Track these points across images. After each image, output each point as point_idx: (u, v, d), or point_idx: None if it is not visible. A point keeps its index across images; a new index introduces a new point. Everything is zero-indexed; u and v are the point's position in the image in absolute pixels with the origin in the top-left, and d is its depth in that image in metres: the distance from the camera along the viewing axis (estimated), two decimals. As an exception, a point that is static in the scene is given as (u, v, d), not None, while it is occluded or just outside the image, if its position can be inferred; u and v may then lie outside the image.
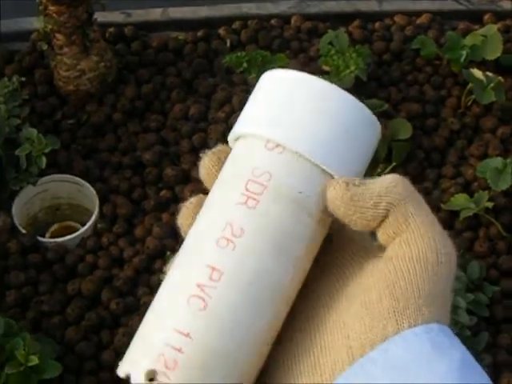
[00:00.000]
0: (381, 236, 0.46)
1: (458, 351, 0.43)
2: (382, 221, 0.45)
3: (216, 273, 0.44)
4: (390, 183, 0.45)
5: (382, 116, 1.44)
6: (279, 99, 0.47)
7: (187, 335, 0.43)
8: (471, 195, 1.44)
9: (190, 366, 0.43)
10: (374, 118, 0.47)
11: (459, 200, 1.43)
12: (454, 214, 1.44)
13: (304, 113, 0.46)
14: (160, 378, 0.43)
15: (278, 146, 0.46)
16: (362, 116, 0.47)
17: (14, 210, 1.41)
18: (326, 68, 1.52)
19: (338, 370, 0.43)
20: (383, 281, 0.44)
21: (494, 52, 1.62)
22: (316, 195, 0.45)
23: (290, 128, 0.46)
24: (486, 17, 1.76)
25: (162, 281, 0.47)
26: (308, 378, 0.44)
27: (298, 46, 1.68)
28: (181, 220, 0.49)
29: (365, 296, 0.44)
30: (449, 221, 1.43)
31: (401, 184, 0.46)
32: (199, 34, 1.69)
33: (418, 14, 1.77)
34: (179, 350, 0.43)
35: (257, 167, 0.45)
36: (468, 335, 1.26)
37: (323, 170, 0.45)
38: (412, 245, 0.45)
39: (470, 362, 0.43)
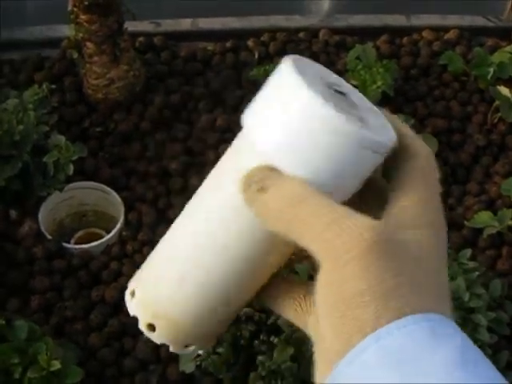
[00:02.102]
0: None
1: (454, 338, 0.42)
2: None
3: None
4: (287, 201, 0.46)
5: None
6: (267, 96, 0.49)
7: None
8: (495, 213, 1.44)
9: None
10: (351, 129, 0.45)
11: (483, 217, 1.43)
12: (478, 231, 1.44)
13: (274, 110, 0.47)
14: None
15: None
16: (328, 123, 0.46)
17: (40, 215, 1.42)
18: (353, 82, 1.52)
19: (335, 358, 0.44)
20: (317, 299, 0.46)
21: (522, 70, 1.62)
22: (235, 175, 0.48)
23: (248, 113, 0.49)
24: (515, 34, 1.76)
25: None
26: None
27: (325, 60, 1.69)
28: None
29: (314, 319, 0.48)
30: (472, 238, 1.43)
31: (289, 206, 0.46)
32: (228, 45, 1.71)
33: (446, 29, 1.77)
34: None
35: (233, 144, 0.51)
36: (489, 353, 1.26)
37: (255, 150, 0.47)
38: (318, 261, 0.45)
39: (469, 348, 0.42)
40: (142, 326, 0.53)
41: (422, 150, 0.48)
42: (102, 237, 1.45)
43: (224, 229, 0.50)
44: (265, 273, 0.53)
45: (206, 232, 0.51)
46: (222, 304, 0.52)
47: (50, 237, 1.41)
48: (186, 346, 0.54)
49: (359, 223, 0.44)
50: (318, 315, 0.45)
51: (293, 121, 0.46)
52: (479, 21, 1.80)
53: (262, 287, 0.54)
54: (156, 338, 0.53)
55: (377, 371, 0.41)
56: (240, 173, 0.48)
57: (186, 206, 0.53)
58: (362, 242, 0.43)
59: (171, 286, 0.52)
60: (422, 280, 0.44)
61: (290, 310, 0.53)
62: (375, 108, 0.50)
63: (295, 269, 1.14)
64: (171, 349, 0.54)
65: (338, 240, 0.44)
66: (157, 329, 0.53)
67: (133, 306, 0.54)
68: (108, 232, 1.45)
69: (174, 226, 0.54)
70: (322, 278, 0.45)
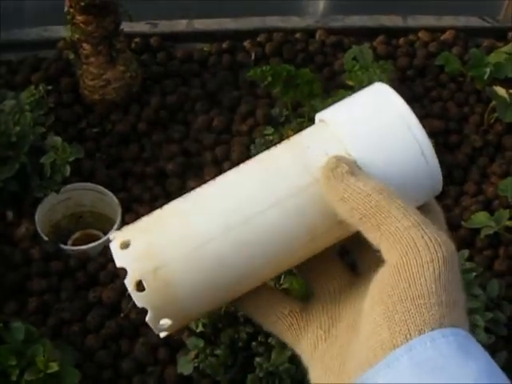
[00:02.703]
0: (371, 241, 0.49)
1: (483, 354, 0.44)
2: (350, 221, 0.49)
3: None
4: (373, 189, 0.48)
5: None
6: (356, 101, 0.53)
7: None
8: (492, 213, 1.44)
9: None
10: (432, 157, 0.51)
11: (480, 218, 1.43)
12: (475, 231, 1.44)
13: (363, 112, 0.52)
14: None
15: (321, 120, 0.54)
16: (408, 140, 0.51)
17: (37, 217, 1.42)
18: (350, 83, 1.52)
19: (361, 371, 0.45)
20: (375, 289, 0.47)
21: (518, 70, 1.62)
22: (321, 156, 0.51)
23: (337, 111, 0.53)
24: (511, 34, 1.76)
25: None
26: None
27: (322, 60, 1.69)
28: None
29: (366, 304, 0.47)
30: (469, 238, 1.44)
31: (377, 194, 0.48)
32: (224, 45, 1.71)
33: (443, 30, 1.77)
34: None
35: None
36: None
37: (342, 144, 0.51)
38: (390, 252, 0.47)
39: (495, 366, 0.44)
40: (130, 282, 0.50)
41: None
42: (98, 238, 1.45)
43: (277, 207, 0.50)
44: (287, 264, 0.52)
45: (253, 204, 0.50)
46: (229, 285, 0.51)
47: (46, 238, 1.41)
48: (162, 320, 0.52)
49: (441, 233, 0.47)
50: (371, 307, 0.46)
51: (387, 125, 0.51)
52: (475, 21, 1.80)
53: (248, 294, 0.53)
54: (140, 299, 0.50)
55: (409, 378, 0.42)
56: (318, 157, 0.50)
57: (228, 172, 0.53)
58: (443, 250, 0.46)
59: (187, 245, 0.50)
60: (458, 298, 0.46)
61: (280, 324, 0.54)
62: None
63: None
64: (147, 318, 0.51)
65: (421, 240, 0.46)
66: (147, 289, 0.50)
67: (125, 258, 0.50)
68: (105, 233, 1.45)
69: (205, 188, 0.53)
70: (389, 272, 0.46)
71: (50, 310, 1.33)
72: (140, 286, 0.50)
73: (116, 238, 0.52)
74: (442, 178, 0.51)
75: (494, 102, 1.58)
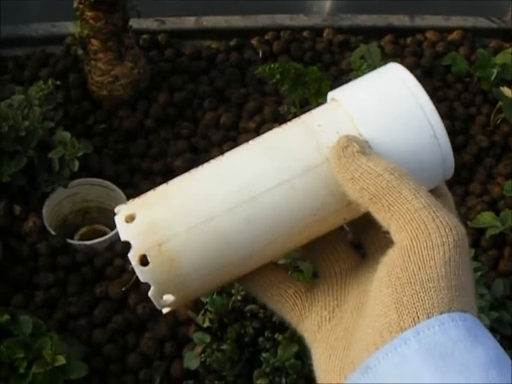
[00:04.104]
0: (380, 222, 0.48)
1: (491, 340, 0.43)
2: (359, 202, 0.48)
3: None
4: (385, 169, 0.47)
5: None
6: (369, 82, 0.53)
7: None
8: (497, 213, 1.44)
9: None
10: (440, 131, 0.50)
11: (485, 218, 1.44)
12: (480, 231, 1.44)
13: (374, 93, 0.51)
14: None
15: (333, 99, 0.53)
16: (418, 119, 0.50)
17: (44, 211, 1.42)
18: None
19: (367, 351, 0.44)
20: (383, 270, 0.46)
21: (525, 71, 1.63)
22: (332, 134, 0.50)
23: (349, 91, 0.52)
24: (518, 36, 1.77)
25: None
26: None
27: (329, 59, 1.70)
28: None
29: (373, 285, 0.47)
30: (474, 238, 1.44)
31: (388, 174, 0.47)
32: (232, 43, 1.71)
33: (450, 30, 1.77)
34: None
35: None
36: (490, 353, 1.26)
37: (353, 123, 0.50)
38: (400, 234, 0.46)
39: (503, 352, 0.44)
40: (134, 256, 0.49)
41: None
42: (105, 233, 1.46)
43: (285, 185, 0.49)
44: (293, 243, 0.52)
45: (259, 182, 0.50)
46: (233, 262, 0.51)
47: (54, 233, 1.41)
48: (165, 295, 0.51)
49: (452, 216, 0.46)
50: (378, 289, 0.46)
51: (399, 106, 0.50)
52: (482, 22, 1.80)
53: (253, 273, 0.53)
54: (144, 273, 0.49)
55: (416, 363, 0.42)
56: (328, 136, 0.50)
57: (237, 148, 0.52)
58: (454, 233, 0.45)
59: (193, 221, 0.49)
60: (467, 284, 0.46)
61: (284, 304, 0.53)
62: None
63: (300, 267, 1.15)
64: (150, 293, 0.50)
65: (433, 223, 0.45)
66: (150, 263, 0.49)
67: (130, 231, 0.49)
68: (112, 229, 1.45)
69: (212, 164, 0.52)
70: (399, 254, 0.45)
71: (57, 303, 1.34)
72: (144, 261, 0.49)
73: (121, 212, 0.51)
74: (453, 161, 0.51)
75: (500, 103, 1.58)
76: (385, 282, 0.45)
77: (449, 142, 0.50)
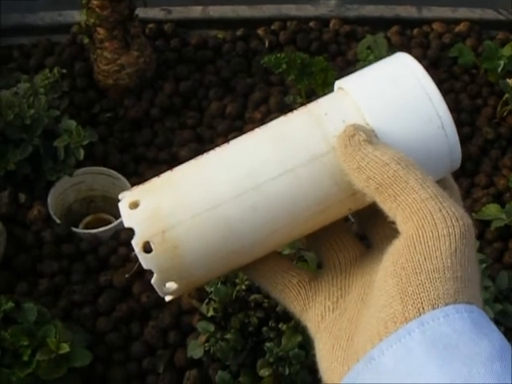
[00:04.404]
0: (386, 212, 0.48)
1: (497, 332, 0.43)
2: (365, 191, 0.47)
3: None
4: (391, 159, 0.47)
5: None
6: (376, 71, 0.52)
7: None
8: (503, 206, 1.44)
9: None
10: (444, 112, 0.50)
11: (491, 210, 1.43)
12: (485, 223, 1.44)
13: (382, 83, 0.51)
14: None
15: (340, 88, 0.52)
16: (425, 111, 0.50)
17: (49, 200, 1.42)
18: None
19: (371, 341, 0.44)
20: (388, 260, 0.46)
21: (532, 63, 1.62)
22: (338, 123, 0.50)
23: (356, 80, 0.52)
24: (526, 28, 1.76)
25: None
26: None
27: (336, 49, 1.69)
28: None
29: (378, 276, 0.46)
30: (479, 230, 1.44)
31: (395, 163, 0.47)
32: (238, 33, 1.71)
33: (457, 22, 1.77)
34: None
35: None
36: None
37: (360, 112, 0.50)
38: (406, 224, 0.46)
39: (509, 344, 0.43)
40: (137, 243, 0.49)
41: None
42: (110, 222, 1.46)
43: (290, 174, 0.49)
44: (297, 232, 0.52)
45: (265, 170, 0.49)
46: (237, 251, 0.50)
47: (58, 221, 1.41)
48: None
49: (458, 207, 0.45)
50: (383, 279, 0.45)
51: (407, 96, 0.50)
52: (490, 14, 1.80)
53: (257, 262, 0.53)
54: (147, 260, 0.49)
55: (420, 355, 0.42)
56: (335, 125, 0.50)
57: (243, 136, 0.52)
58: (460, 224, 0.45)
59: (197, 208, 0.49)
60: (473, 275, 0.45)
61: (288, 293, 0.53)
62: None
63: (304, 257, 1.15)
64: (153, 280, 0.50)
65: (439, 213, 0.45)
66: (154, 249, 0.48)
67: (133, 218, 0.49)
68: (116, 218, 1.45)
69: (218, 151, 0.52)
70: (404, 244, 0.45)
71: (61, 292, 1.34)
72: (147, 248, 0.49)
73: (125, 198, 0.51)
74: (460, 153, 0.50)
75: (507, 95, 1.58)
76: (390, 271, 0.45)
77: (456, 133, 0.50)
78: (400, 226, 0.46)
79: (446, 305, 0.43)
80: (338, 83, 0.53)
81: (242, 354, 1.17)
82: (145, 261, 0.49)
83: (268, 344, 1.14)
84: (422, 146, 0.49)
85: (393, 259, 0.45)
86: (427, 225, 0.45)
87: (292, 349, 1.13)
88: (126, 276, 1.32)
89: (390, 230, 0.48)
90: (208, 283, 0.50)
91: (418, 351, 0.41)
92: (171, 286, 0.51)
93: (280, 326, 1.14)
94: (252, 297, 1.17)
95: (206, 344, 1.19)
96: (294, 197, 0.50)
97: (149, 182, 0.52)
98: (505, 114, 1.60)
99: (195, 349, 1.22)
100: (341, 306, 0.52)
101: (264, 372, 1.14)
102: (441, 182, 0.50)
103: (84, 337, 1.25)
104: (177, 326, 1.29)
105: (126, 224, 0.49)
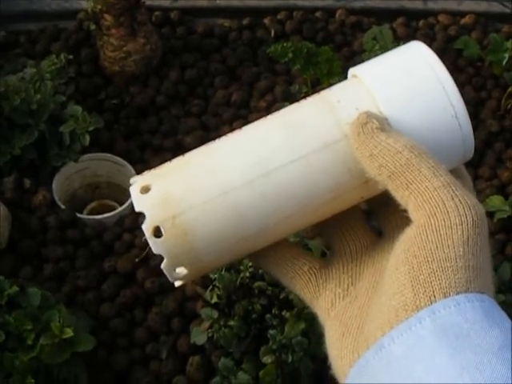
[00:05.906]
0: (398, 200, 0.48)
1: (508, 322, 0.43)
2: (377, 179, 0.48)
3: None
4: (404, 147, 0.47)
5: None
6: (390, 59, 0.53)
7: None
8: (506, 197, 1.44)
9: None
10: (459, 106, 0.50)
11: (494, 202, 1.44)
12: (489, 215, 1.44)
13: (395, 71, 0.51)
14: None
15: (353, 76, 0.53)
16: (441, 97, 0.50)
17: (54, 185, 1.43)
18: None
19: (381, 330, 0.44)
20: (400, 248, 0.46)
21: (537, 56, 1.62)
22: (352, 110, 0.50)
23: (370, 67, 0.52)
24: (531, 21, 1.76)
25: None
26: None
27: (341, 40, 1.69)
28: None
29: (390, 263, 0.46)
30: (483, 222, 1.44)
31: (407, 151, 0.47)
32: (244, 22, 1.71)
33: (463, 14, 1.77)
34: None
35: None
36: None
37: (374, 100, 0.50)
38: (418, 212, 0.46)
39: None
40: (148, 228, 0.49)
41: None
42: (114, 209, 1.46)
43: (301, 161, 0.49)
44: (308, 220, 0.52)
45: (276, 157, 0.49)
46: (247, 237, 0.50)
47: (63, 207, 1.41)
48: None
49: (471, 196, 0.46)
50: (395, 267, 0.45)
51: (421, 84, 0.50)
52: (495, 7, 1.79)
53: (267, 249, 0.53)
54: (157, 245, 0.49)
55: (431, 343, 0.42)
56: (348, 113, 0.50)
57: (255, 122, 0.52)
58: (473, 213, 0.45)
59: (207, 194, 0.49)
60: (485, 264, 0.45)
61: (298, 280, 0.53)
62: None
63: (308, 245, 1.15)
64: (163, 265, 0.50)
65: (451, 202, 0.45)
66: (164, 234, 0.49)
67: (144, 202, 0.50)
68: (121, 204, 1.46)
69: (230, 137, 0.52)
70: (416, 232, 0.45)
71: (65, 277, 1.34)
72: (157, 233, 0.49)
73: (136, 182, 0.51)
74: (473, 143, 0.51)
75: (511, 88, 1.58)
76: (401, 259, 0.45)
77: (470, 123, 0.50)
78: (412, 214, 0.46)
79: (458, 294, 0.43)
80: (351, 71, 0.53)
81: (245, 341, 1.18)
82: (155, 245, 0.49)
83: (271, 331, 1.14)
84: (435, 135, 0.49)
85: (404, 247, 0.45)
86: (439, 213, 0.45)
87: (295, 336, 1.13)
88: (137, 260, 1.33)
89: (401, 219, 0.48)
90: (218, 268, 0.50)
91: (428, 340, 0.42)
92: (181, 271, 0.51)
93: (283, 313, 1.15)
94: (256, 284, 1.18)
95: (210, 330, 1.19)
96: (306, 184, 0.50)
97: (160, 166, 0.52)
98: (509, 106, 1.60)
99: (198, 335, 1.22)
100: (351, 294, 0.52)
101: (267, 359, 1.14)
102: (453, 172, 0.50)
103: (88, 322, 1.26)
104: (180, 312, 1.30)
105: (137, 208, 0.50)
